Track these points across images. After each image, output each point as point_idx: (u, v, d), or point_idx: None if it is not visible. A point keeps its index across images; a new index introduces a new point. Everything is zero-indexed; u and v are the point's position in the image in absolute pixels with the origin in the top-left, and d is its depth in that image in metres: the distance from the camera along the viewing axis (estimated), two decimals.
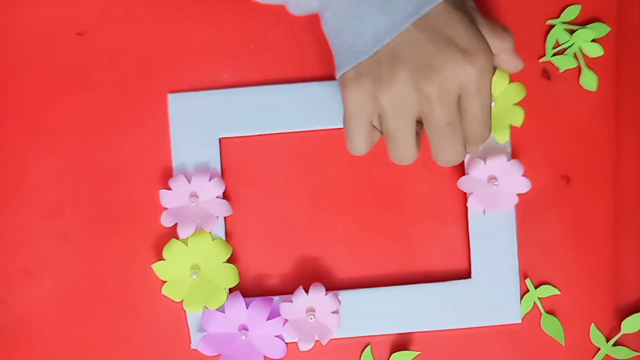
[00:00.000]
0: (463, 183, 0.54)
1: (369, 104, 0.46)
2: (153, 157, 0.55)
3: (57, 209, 0.55)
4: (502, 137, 0.54)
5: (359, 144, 0.48)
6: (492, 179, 0.54)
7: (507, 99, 0.54)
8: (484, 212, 0.54)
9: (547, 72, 0.56)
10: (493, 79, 0.53)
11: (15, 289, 0.55)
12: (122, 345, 0.54)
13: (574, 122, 0.56)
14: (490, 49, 0.45)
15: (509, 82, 0.54)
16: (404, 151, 0.47)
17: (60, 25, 0.55)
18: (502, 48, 0.50)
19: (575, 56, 0.56)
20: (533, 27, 0.56)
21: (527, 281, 0.55)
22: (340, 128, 0.54)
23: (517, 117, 0.54)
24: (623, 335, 0.54)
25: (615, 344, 0.54)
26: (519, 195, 0.54)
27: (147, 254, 0.54)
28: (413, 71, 0.44)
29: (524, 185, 0.54)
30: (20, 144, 0.55)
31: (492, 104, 0.53)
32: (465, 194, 0.55)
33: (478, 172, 0.54)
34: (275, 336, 0.53)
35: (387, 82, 0.44)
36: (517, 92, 0.54)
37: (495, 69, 0.51)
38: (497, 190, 0.54)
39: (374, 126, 0.48)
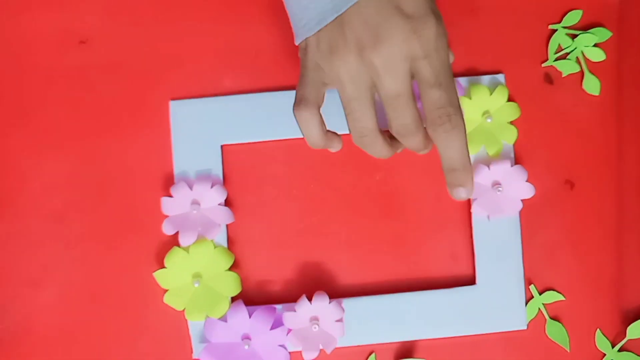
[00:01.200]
0: None
1: (322, 73, 0.45)
2: (154, 164, 0.55)
3: (59, 217, 0.55)
4: (493, 151, 0.54)
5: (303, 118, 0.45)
6: (496, 184, 0.54)
7: (502, 117, 0.55)
8: (488, 218, 0.54)
9: (550, 77, 0.56)
10: (493, 94, 0.54)
11: (18, 296, 0.54)
12: (123, 353, 0.54)
13: (577, 126, 0.56)
14: (440, 15, 0.44)
15: (507, 101, 0.55)
16: (362, 123, 0.44)
17: (63, 33, 0.56)
18: None
19: (577, 60, 0.56)
20: (535, 32, 0.56)
21: (532, 287, 0.54)
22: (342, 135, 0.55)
23: (511, 135, 0.55)
24: (628, 340, 0.54)
25: (620, 350, 0.54)
26: (522, 200, 0.54)
27: (148, 262, 0.54)
28: (360, 42, 0.43)
29: (527, 190, 0.54)
30: (23, 151, 0.55)
31: (460, 90, 0.54)
32: (468, 200, 0.55)
33: (482, 177, 0.54)
34: (279, 345, 0.53)
35: (340, 52, 0.43)
36: (512, 111, 0.55)
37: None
38: (501, 196, 0.54)
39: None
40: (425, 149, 0.46)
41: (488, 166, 0.54)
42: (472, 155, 0.54)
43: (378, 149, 0.46)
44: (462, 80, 0.55)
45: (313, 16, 0.44)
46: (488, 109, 0.54)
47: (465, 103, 0.54)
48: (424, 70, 0.43)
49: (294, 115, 0.45)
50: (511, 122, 0.55)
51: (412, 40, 0.42)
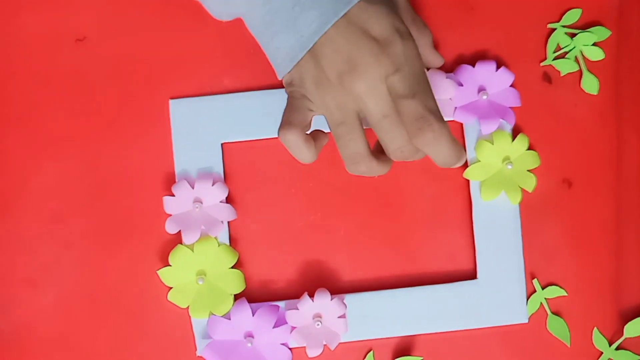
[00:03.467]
0: None
1: (308, 102, 0.47)
2: (155, 163, 0.55)
3: (59, 217, 0.54)
4: (515, 199, 0.54)
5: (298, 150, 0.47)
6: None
7: (522, 165, 0.55)
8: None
9: (548, 76, 0.56)
10: (513, 140, 0.54)
11: (18, 297, 0.54)
12: (127, 352, 0.54)
13: (575, 125, 0.56)
14: (406, 32, 0.44)
15: (527, 149, 0.55)
16: (353, 148, 0.45)
17: (59, 31, 0.55)
18: (420, 44, 0.50)
19: (576, 60, 0.56)
20: (534, 31, 0.56)
21: (535, 281, 0.54)
22: None
23: (530, 183, 0.55)
24: (626, 339, 0.54)
25: (618, 348, 0.54)
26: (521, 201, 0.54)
27: (151, 261, 0.54)
28: (338, 72, 0.44)
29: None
30: (22, 151, 0.55)
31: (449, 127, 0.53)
32: (469, 198, 0.55)
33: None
34: (281, 344, 0.53)
35: (323, 83, 0.45)
36: (532, 160, 0.55)
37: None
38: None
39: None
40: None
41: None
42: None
43: (375, 171, 0.47)
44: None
45: (285, 55, 0.46)
46: (509, 155, 0.54)
47: (487, 148, 0.54)
48: (397, 84, 0.43)
49: (280, 139, 0.46)
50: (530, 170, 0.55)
51: (382, 59, 0.43)
